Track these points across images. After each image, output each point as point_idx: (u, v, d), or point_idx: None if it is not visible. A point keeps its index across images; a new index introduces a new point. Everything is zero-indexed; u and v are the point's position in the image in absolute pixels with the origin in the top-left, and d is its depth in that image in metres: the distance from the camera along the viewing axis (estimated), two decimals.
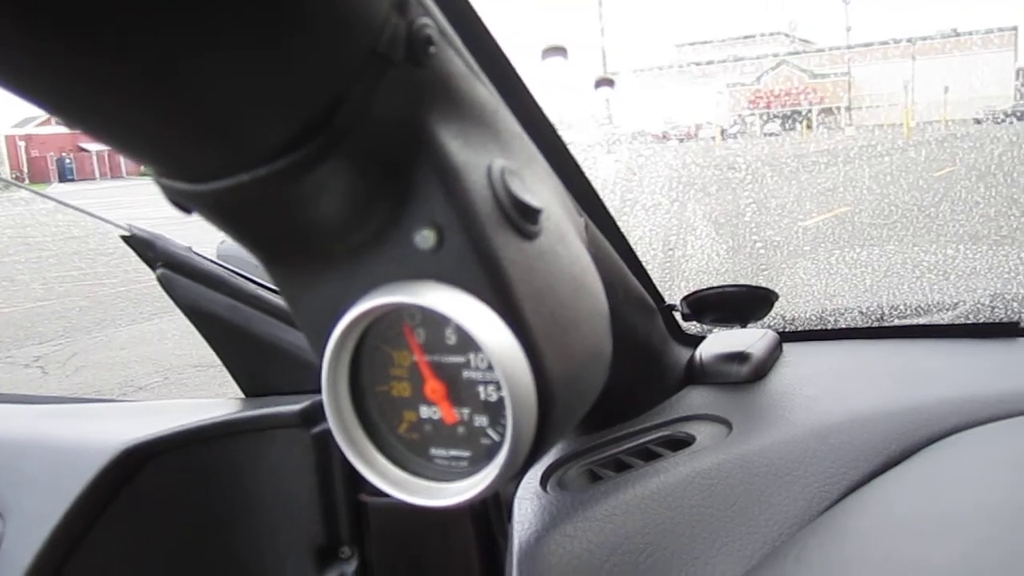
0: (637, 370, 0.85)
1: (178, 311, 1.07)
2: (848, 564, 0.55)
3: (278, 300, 1.05)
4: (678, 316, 0.92)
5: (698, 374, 0.90)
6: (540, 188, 0.47)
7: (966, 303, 1.03)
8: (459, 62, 0.42)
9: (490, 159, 0.43)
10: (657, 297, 0.87)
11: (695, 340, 0.96)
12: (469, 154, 0.41)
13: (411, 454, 0.46)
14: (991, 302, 1.00)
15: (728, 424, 0.80)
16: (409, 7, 0.37)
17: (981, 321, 0.97)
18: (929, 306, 1.08)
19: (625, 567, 0.66)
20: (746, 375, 0.88)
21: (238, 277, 1.06)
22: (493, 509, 1.01)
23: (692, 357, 0.92)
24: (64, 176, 35.06)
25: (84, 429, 1.07)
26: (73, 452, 1.00)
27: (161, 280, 1.05)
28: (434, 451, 0.45)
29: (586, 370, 0.48)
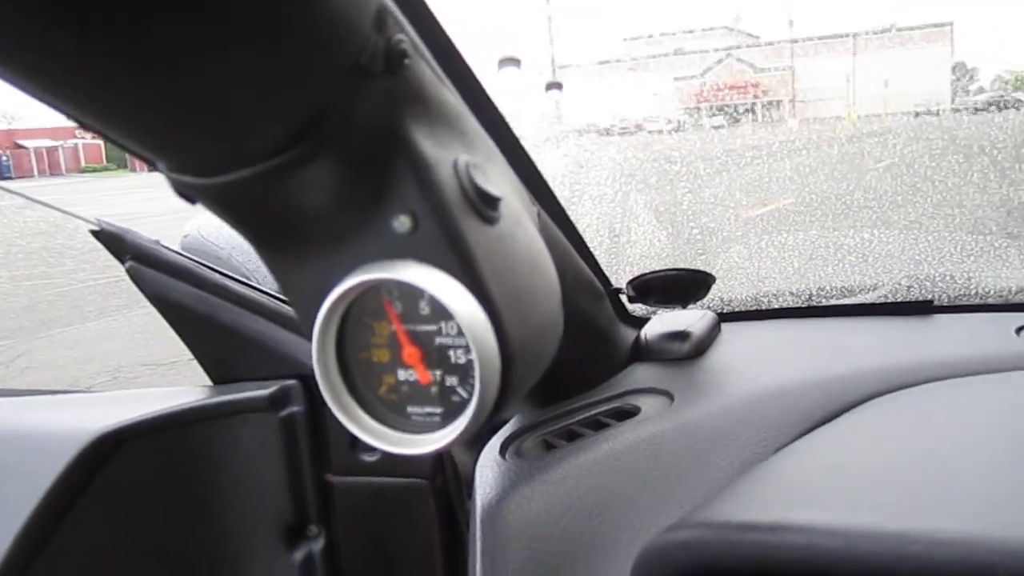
0: (586, 348, 0.92)
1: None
2: (775, 500, 0.63)
3: (244, 290, 1.09)
4: (624, 299, 0.99)
5: (643, 352, 0.97)
6: (499, 180, 0.54)
7: (886, 284, 1.12)
8: (429, 72, 0.49)
9: (456, 155, 0.49)
10: (605, 281, 0.93)
11: (640, 321, 1.03)
12: (438, 151, 0.48)
13: (391, 412, 0.52)
14: (908, 283, 1.09)
15: (670, 396, 0.88)
16: (387, 26, 0.43)
17: (899, 300, 1.06)
18: (853, 287, 1.17)
19: (578, 524, 0.73)
20: (687, 352, 0.95)
21: (205, 268, 1.09)
22: (453, 487, 1.06)
23: (638, 337, 0.99)
24: (1, 174, 34.09)
25: (56, 418, 1.09)
26: (46, 439, 1.02)
27: (130, 272, 1.08)
28: (411, 409, 0.52)
29: (541, 337, 0.55)
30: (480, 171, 0.50)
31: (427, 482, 1.03)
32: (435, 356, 0.50)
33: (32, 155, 36.86)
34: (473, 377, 0.48)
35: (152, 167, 0.44)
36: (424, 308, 0.49)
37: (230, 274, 1.11)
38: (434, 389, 0.51)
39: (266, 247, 0.51)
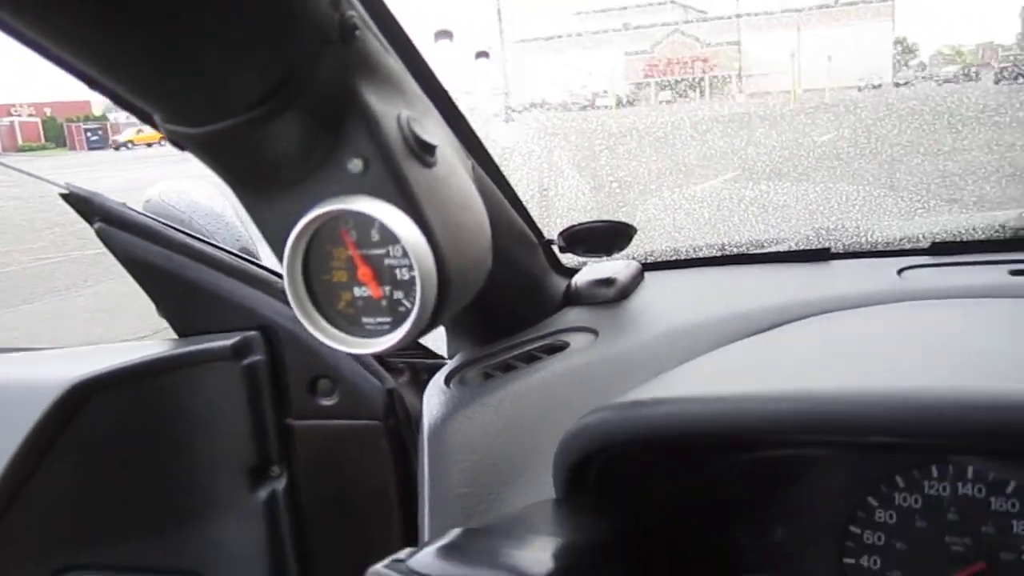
0: (522, 293, 1.02)
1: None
2: (662, 387, 0.74)
3: (207, 248, 1.16)
4: (557, 250, 1.09)
5: (574, 297, 1.08)
6: (435, 132, 0.64)
7: (794, 237, 1.24)
8: (376, 42, 0.59)
9: (399, 110, 0.60)
10: (538, 233, 1.04)
11: (573, 271, 1.14)
12: (384, 107, 0.58)
13: (349, 323, 0.63)
14: (809, 233, 1.22)
15: (596, 333, 0.99)
16: (341, 4, 0.53)
17: (802, 248, 1.18)
18: (761, 240, 1.29)
19: (513, 438, 0.84)
20: (612, 296, 1.07)
21: (170, 229, 1.16)
22: (405, 427, 1.15)
23: (569, 284, 1.10)
24: None
25: (28, 371, 1.15)
26: (20, 391, 1.08)
27: (99, 233, 1.14)
28: (365, 319, 0.62)
29: (473, 263, 0.66)
30: (419, 124, 0.60)
31: (380, 423, 1.10)
32: (384, 275, 0.61)
33: None
34: (415, 291, 0.58)
35: (148, 121, 0.54)
36: (375, 235, 0.60)
37: (193, 234, 1.18)
38: (384, 302, 0.61)
39: (244, 188, 0.61)
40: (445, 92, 0.76)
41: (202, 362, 1.13)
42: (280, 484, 1.15)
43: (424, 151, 0.59)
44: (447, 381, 0.94)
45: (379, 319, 0.62)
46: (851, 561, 0.80)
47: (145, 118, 0.54)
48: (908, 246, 1.12)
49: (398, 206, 0.57)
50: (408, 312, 0.60)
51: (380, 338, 0.62)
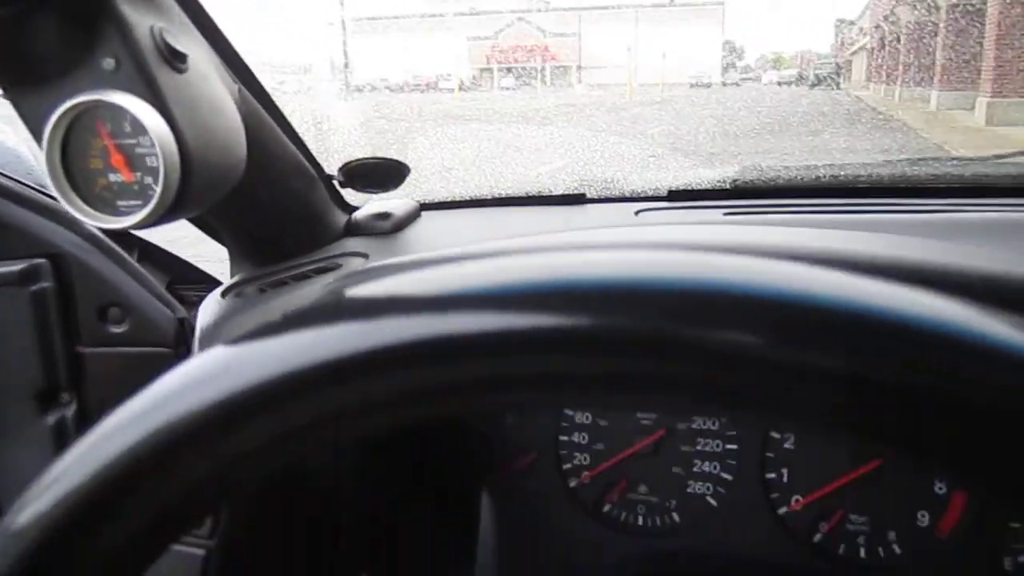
0: (300, 221, 1.11)
1: None
2: None
3: None
4: (338, 185, 1.19)
5: (353, 229, 1.19)
6: (191, 48, 0.73)
7: (559, 187, 1.40)
8: None
9: (153, 21, 0.68)
10: (317, 167, 1.13)
11: (356, 208, 1.24)
12: (138, 16, 0.68)
13: (105, 205, 0.71)
14: (570, 183, 1.38)
15: (367, 257, 1.10)
16: None
17: (562, 194, 1.34)
18: (531, 190, 1.44)
19: None
20: (388, 228, 1.18)
21: None
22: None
23: (350, 218, 1.20)
24: None
25: None
26: None
27: None
28: (119, 202, 0.71)
29: (220, 160, 0.75)
30: (172, 36, 0.69)
31: (171, 351, 1.16)
32: (136, 162, 0.70)
33: None
34: (160, 176, 0.67)
35: None
36: (127, 127, 0.68)
37: None
38: (136, 187, 0.70)
39: (7, 81, 0.68)
40: (209, 19, 0.84)
41: None
42: (70, 411, 1.17)
43: (174, 58, 0.69)
44: (223, 295, 1.02)
45: (131, 201, 0.71)
46: (565, 438, 0.96)
47: None
48: (650, 193, 1.30)
49: (148, 102, 0.66)
50: (155, 195, 0.69)
51: (132, 216, 0.70)
